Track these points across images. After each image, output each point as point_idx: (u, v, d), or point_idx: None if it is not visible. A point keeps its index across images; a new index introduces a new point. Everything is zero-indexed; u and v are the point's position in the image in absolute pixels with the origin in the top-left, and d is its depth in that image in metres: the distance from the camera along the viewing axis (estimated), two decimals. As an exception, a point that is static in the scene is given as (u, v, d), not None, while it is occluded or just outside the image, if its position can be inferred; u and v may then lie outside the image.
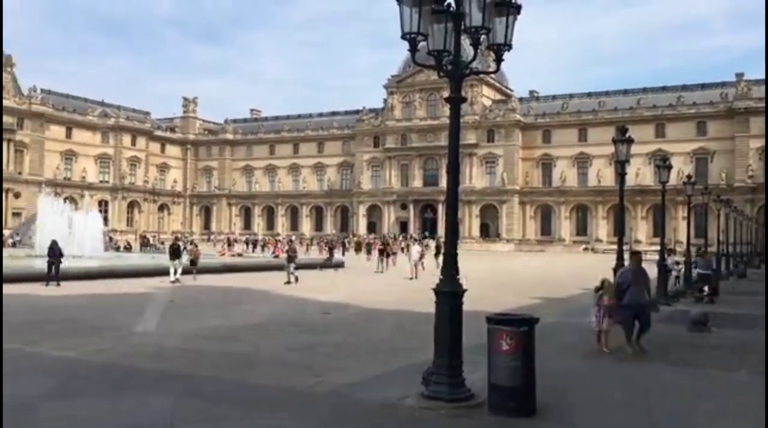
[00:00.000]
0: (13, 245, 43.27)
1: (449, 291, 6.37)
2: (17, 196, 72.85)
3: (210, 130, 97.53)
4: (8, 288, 17.16)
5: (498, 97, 79.91)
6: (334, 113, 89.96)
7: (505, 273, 31.26)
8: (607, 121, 68.58)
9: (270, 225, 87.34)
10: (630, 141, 13.57)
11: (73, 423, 5.67)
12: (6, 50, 74.77)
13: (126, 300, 15.70)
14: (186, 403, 6.26)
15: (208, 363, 8.28)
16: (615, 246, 14.29)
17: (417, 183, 78.41)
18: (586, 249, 67.49)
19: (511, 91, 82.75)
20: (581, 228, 72.77)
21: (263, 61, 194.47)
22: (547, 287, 22.03)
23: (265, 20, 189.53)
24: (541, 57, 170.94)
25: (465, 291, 6.45)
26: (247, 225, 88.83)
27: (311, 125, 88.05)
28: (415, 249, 28.89)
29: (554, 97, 79.05)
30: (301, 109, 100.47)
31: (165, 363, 8.19)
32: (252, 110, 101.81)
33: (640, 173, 66.21)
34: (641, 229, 67.90)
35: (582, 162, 72.96)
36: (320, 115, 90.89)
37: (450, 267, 6.47)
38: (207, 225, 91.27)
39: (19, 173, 73.99)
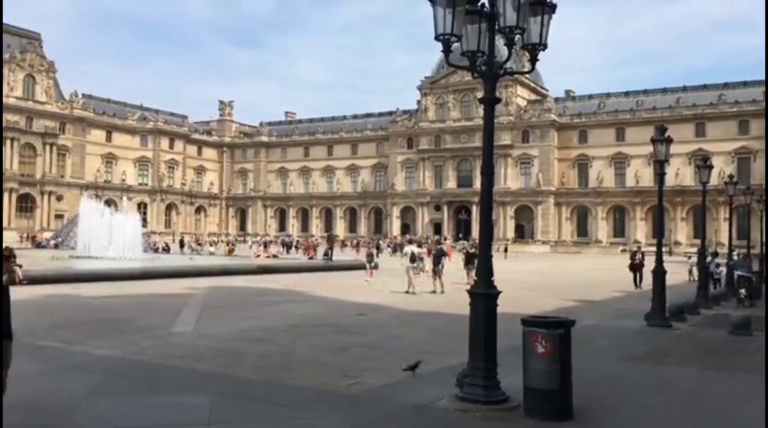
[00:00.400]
0: (56, 246, 44.41)
1: (483, 293, 6.33)
2: (60, 198, 74.79)
3: (245, 133, 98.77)
4: (51, 289, 17.64)
5: (533, 97, 79.18)
6: (368, 115, 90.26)
7: (540, 274, 30.91)
8: (645, 120, 67.42)
9: (305, 226, 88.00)
10: (669, 140, 13.30)
11: (115, 420, 5.79)
12: (48, 56, 76.98)
13: (164, 301, 15.97)
14: (222, 402, 6.35)
15: (244, 364, 8.37)
16: (654, 248, 14.02)
17: (451, 184, 78.14)
18: (623, 250, 66.28)
19: (547, 90, 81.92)
20: (619, 230, 71.60)
21: (299, 65, 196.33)
22: (584, 289, 21.72)
23: (301, 24, 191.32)
24: (577, 56, 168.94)
25: (500, 292, 6.41)
26: (282, 226, 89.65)
27: (345, 127, 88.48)
28: (409, 250, 22.60)
29: (590, 97, 78.01)
30: (336, 112, 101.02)
31: (202, 363, 8.31)
32: (287, 113, 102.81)
33: (680, 173, 64.92)
34: (681, 231, 66.53)
35: (619, 162, 71.80)
36: (354, 117, 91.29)
37: (484, 269, 6.43)
38: (243, 227, 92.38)
39: (62, 176, 75.96)
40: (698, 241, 27.68)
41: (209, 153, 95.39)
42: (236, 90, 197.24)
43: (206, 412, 5.94)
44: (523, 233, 74.75)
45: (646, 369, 8.70)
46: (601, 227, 71.97)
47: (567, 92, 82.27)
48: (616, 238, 70.70)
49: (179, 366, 8.10)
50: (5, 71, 71.93)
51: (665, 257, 13.84)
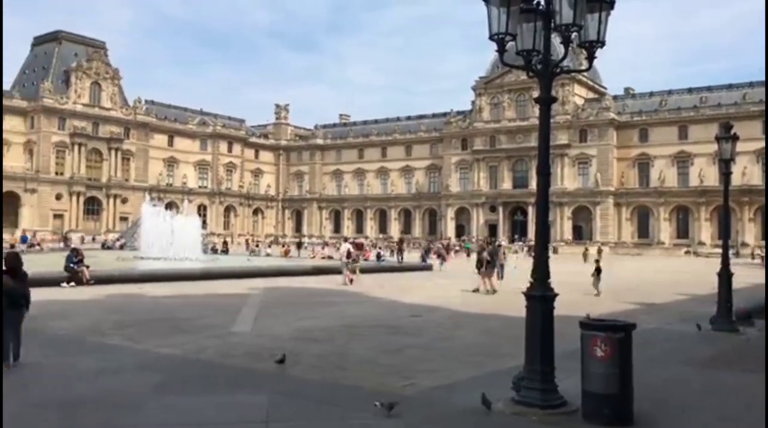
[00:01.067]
0: (121, 247, 45.99)
1: (540, 296, 6.23)
2: (124, 201, 77.45)
3: (301, 136, 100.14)
4: (116, 289, 18.28)
5: (591, 95, 77.52)
6: (421, 116, 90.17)
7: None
8: (709, 117, 65.08)
9: (359, 228, 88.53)
10: (735, 138, 12.79)
11: (176, 416, 5.96)
12: (113, 64, 79.87)
13: (223, 301, 16.33)
14: (279, 401, 6.45)
15: (301, 363, 8.47)
16: (719, 250, 13.52)
17: (506, 185, 77.25)
18: (687, 252, 64.20)
19: (605, 88, 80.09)
20: (682, 231, 69.32)
21: (353, 68, 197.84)
22: (645, 292, 21.13)
23: (355, 27, 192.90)
24: (637, 53, 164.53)
25: (556, 295, 6.30)
26: (337, 228, 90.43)
27: (399, 129, 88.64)
28: (344, 247, 23.84)
29: (651, 94, 75.82)
30: (389, 114, 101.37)
31: (259, 363, 8.46)
32: (341, 115, 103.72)
33: (747, 172, 62.42)
34: (749, 232, 63.93)
35: (682, 161, 69.53)
36: (408, 118, 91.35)
37: (541, 271, 6.34)
38: (298, 228, 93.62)
39: (126, 180, 78.64)
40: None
41: (266, 156, 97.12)
42: (292, 93, 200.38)
43: (264, 411, 6.05)
44: (581, 234, 73.21)
45: (710, 374, 8.40)
46: (664, 228, 69.81)
47: (626, 90, 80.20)
48: (680, 240, 68.46)
49: (238, 365, 8.27)
50: (73, 79, 75.03)
51: (732, 259, 13.34)
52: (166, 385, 7.13)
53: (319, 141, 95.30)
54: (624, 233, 71.74)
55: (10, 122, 72.28)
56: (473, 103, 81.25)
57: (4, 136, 71.57)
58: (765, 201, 50.41)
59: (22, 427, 5.61)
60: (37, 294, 15.99)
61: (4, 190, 69.31)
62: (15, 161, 71.46)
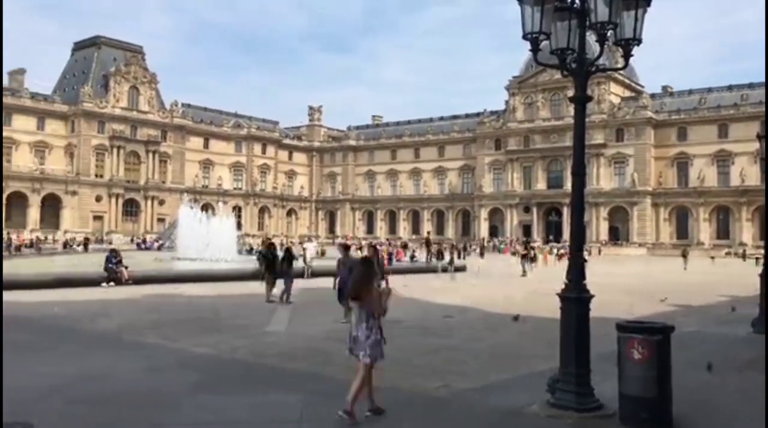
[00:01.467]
0: (159, 248, 46.82)
1: (575, 297, 6.15)
2: (162, 203, 78.87)
3: (334, 137, 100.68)
4: (154, 289, 18.60)
5: (627, 93, 76.31)
6: (454, 117, 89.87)
7: (636, 278, 29.71)
8: (751, 115, 63.52)
9: (392, 229, 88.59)
10: (777, 136, 12.45)
11: (212, 415, 6.04)
12: (151, 68, 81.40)
13: (258, 301, 16.48)
14: (313, 401, 6.48)
15: (334, 364, 8.50)
16: (762, 251, 13.17)
17: (540, 185, 76.50)
18: (728, 253, 62.66)
19: (642, 87, 78.75)
20: (722, 232, 67.76)
21: (386, 68, 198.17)
22: (684, 294, 20.69)
23: (389, 29, 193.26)
24: (675, 50, 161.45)
25: (592, 296, 6.21)
26: (370, 229, 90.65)
27: (432, 129, 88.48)
28: (311, 246, 25.83)
29: (690, 92, 74.26)
30: (422, 114, 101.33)
31: (293, 362, 8.53)
32: (374, 116, 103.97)
33: (790, 171, 60.64)
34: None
35: (722, 160, 67.97)
36: (441, 118, 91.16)
37: (576, 272, 6.26)
38: (332, 229, 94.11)
39: (163, 182, 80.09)
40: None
41: (299, 157, 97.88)
42: (325, 95, 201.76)
43: (298, 411, 6.09)
44: (617, 235, 72.11)
45: (751, 378, 8.17)
46: (703, 229, 68.30)
47: (664, 88, 78.70)
48: (720, 240, 66.91)
49: (272, 365, 8.35)
50: (111, 83, 76.67)
51: None
52: (201, 384, 7.23)
53: (352, 142, 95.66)
54: (662, 234, 70.41)
55: (52, 126, 74.25)
56: (507, 102, 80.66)
57: (47, 139, 73.63)
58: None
59: (62, 424, 5.75)
60: (79, 294, 16.46)
61: (47, 192, 71.24)
62: (56, 164, 73.40)
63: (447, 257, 31.64)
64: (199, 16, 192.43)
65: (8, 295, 15.65)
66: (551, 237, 70.43)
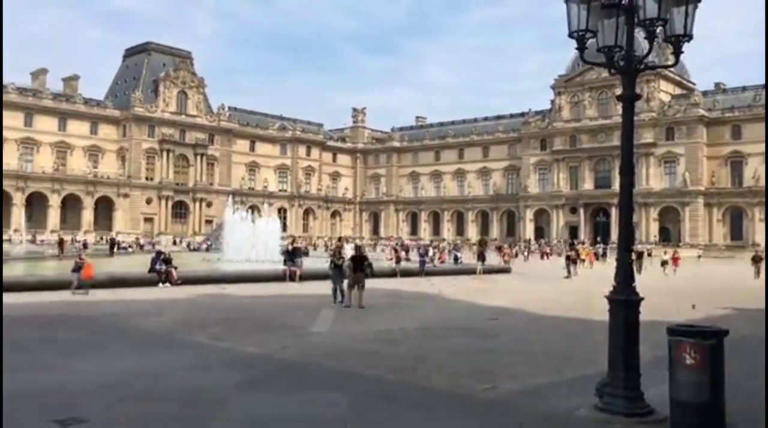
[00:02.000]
0: (207, 249, 47.70)
1: (624, 300, 6.03)
2: (209, 205, 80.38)
3: (377, 139, 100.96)
4: (202, 289, 18.96)
5: (678, 91, 74.36)
6: (499, 117, 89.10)
7: (689, 280, 28.91)
8: (809, 112, 61.07)
9: (436, 230, 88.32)
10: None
11: (258, 413, 6.12)
12: (198, 73, 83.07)
13: (303, 302, 16.65)
14: (358, 402, 6.51)
15: (380, 365, 8.52)
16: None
17: (588, 185, 75.17)
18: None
19: (693, 84, 76.64)
20: (779, 233, 65.27)
21: (430, 69, 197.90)
22: (739, 297, 20.03)
23: (433, 29, 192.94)
24: (728, 46, 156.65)
25: (642, 299, 6.08)
26: (414, 230, 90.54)
27: (476, 130, 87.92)
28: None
29: (744, 89, 71.87)
30: (466, 115, 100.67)
31: (338, 363, 8.57)
32: (417, 118, 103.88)
33: None
34: None
35: (779, 159, 65.50)
36: (485, 119, 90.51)
37: (624, 274, 6.13)
38: (376, 231, 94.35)
39: (211, 184, 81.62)
40: None
41: (343, 159, 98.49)
42: (368, 97, 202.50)
43: (343, 411, 6.12)
44: (668, 236, 70.27)
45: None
46: (759, 230, 65.91)
47: (717, 85, 76.35)
48: (776, 242, 64.52)
49: (317, 365, 8.41)
50: (161, 88, 78.56)
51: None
52: (248, 382, 7.34)
53: (396, 143, 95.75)
54: (715, 235, 68.34)
55: (104, 130, 76.54)
56: (552, 102, 79.57)
57: (100, 143, 75.94)
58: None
59: (114, 420, 5.90)
60: (133, 294, 16.92)
61: (100, 194, 73.45)
62: (109, 168, 75.63)
63: (483, 259, 31.34)
64: (245, 20, 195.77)
65: (65, 294, 16.19)
66: (599, 239, 69.08)
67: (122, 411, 6.12)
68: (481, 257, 31.15)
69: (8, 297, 13.42)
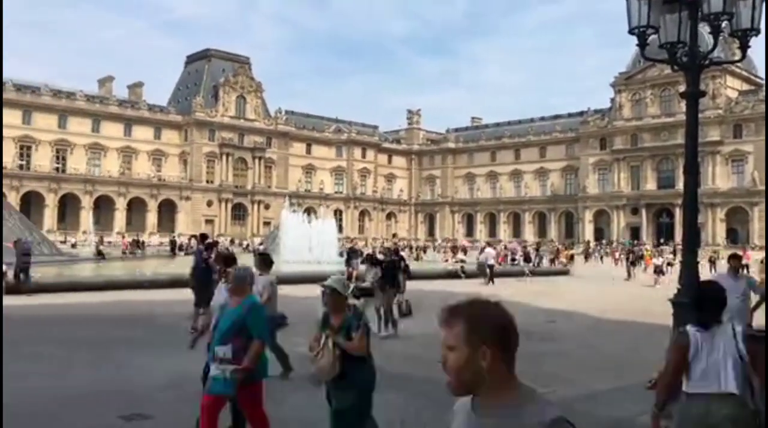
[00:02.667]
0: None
1: (688, 303, 5.83)
2: (267, 207, 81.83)
3: (432, 140, 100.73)
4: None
5: (746, 87, 71.47)
6: (556, 117, 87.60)
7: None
8: None
9: (492, 231, 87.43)
10: None
11: (317, 410, 6.19)
12: (257, 78, 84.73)
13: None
14: (415, 403, 6.51)
15: (433, 367, 8.50)
16: None
17: (650, 185, 73.06)
18: None
19: (762, 79, 73.43)
20: None
21: (486, 70, 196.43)
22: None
23: (489, 30, 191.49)
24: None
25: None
26: (470, 231, 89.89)
27: (533, 130, 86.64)
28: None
29: (818, 83, 68.47)
30: (523, 115, 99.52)
31: (390, 364, 8.59)
32: (473, 118, 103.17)
33: None
34: None
35: None
36: (542, 119, 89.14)
37: (689, 276, 5.94)
38: (431, 232, 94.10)
39: (269, 186, 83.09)
40: None
41: (398, 161, 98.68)
42: (423, 98, 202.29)
43: (398, 411, 6.14)
44: (736, 238, 67.60)
45: None
46: (834, 230, 62.81)
47: (788, 79, 73.11)
48: None
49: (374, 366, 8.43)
50: (221, 93, 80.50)
51: None
52: (304, 381, 7.43)
53: (451, 144, 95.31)
54: (786, 236, 65.34)
55: (167, 135, 78.98)
56: (612, 100, 77.71)
57: (163, 148, 78.37)
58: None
59: (177, 417, 6.07)
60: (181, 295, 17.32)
61: (164, 197, 75.79)
62: (172, 171, 77.97)
63: (532, 260, 30.94)
64: (302, 25, 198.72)
65: (129, 294, 16.77)
66: (662, 240, 67.03)
67: (185, 408, 6.27)
68: (528, 258, 30.73)
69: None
